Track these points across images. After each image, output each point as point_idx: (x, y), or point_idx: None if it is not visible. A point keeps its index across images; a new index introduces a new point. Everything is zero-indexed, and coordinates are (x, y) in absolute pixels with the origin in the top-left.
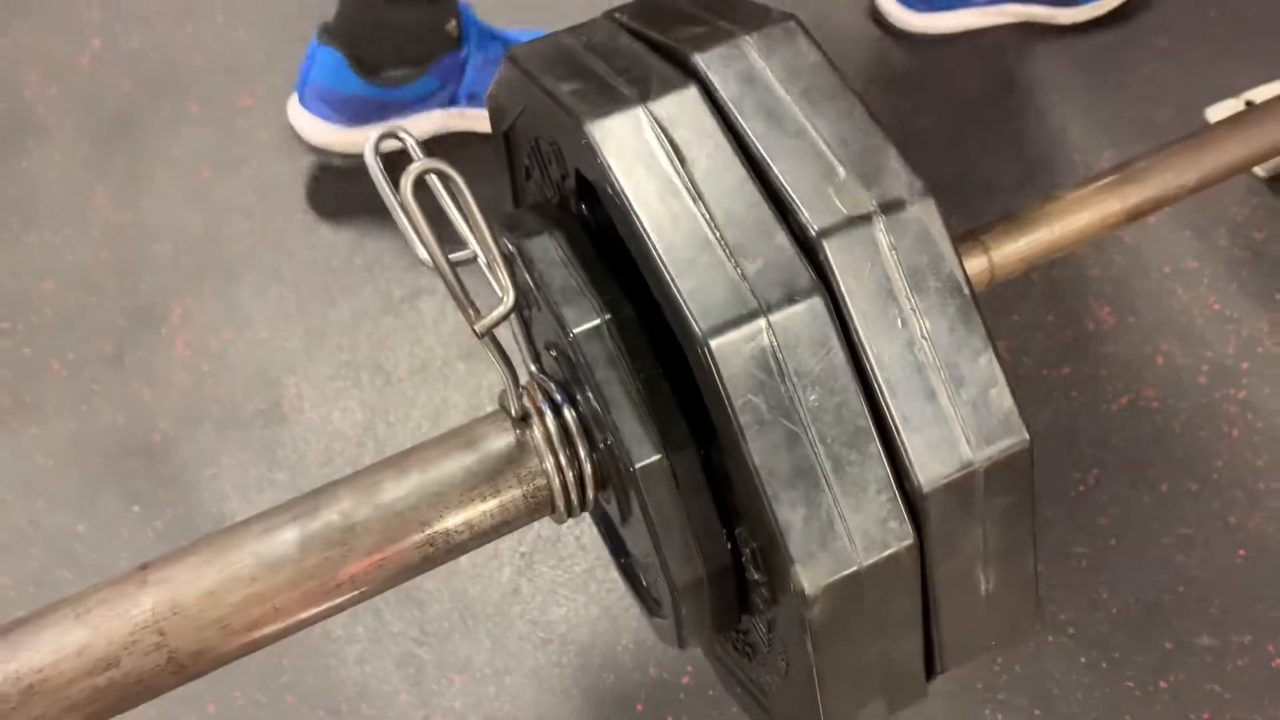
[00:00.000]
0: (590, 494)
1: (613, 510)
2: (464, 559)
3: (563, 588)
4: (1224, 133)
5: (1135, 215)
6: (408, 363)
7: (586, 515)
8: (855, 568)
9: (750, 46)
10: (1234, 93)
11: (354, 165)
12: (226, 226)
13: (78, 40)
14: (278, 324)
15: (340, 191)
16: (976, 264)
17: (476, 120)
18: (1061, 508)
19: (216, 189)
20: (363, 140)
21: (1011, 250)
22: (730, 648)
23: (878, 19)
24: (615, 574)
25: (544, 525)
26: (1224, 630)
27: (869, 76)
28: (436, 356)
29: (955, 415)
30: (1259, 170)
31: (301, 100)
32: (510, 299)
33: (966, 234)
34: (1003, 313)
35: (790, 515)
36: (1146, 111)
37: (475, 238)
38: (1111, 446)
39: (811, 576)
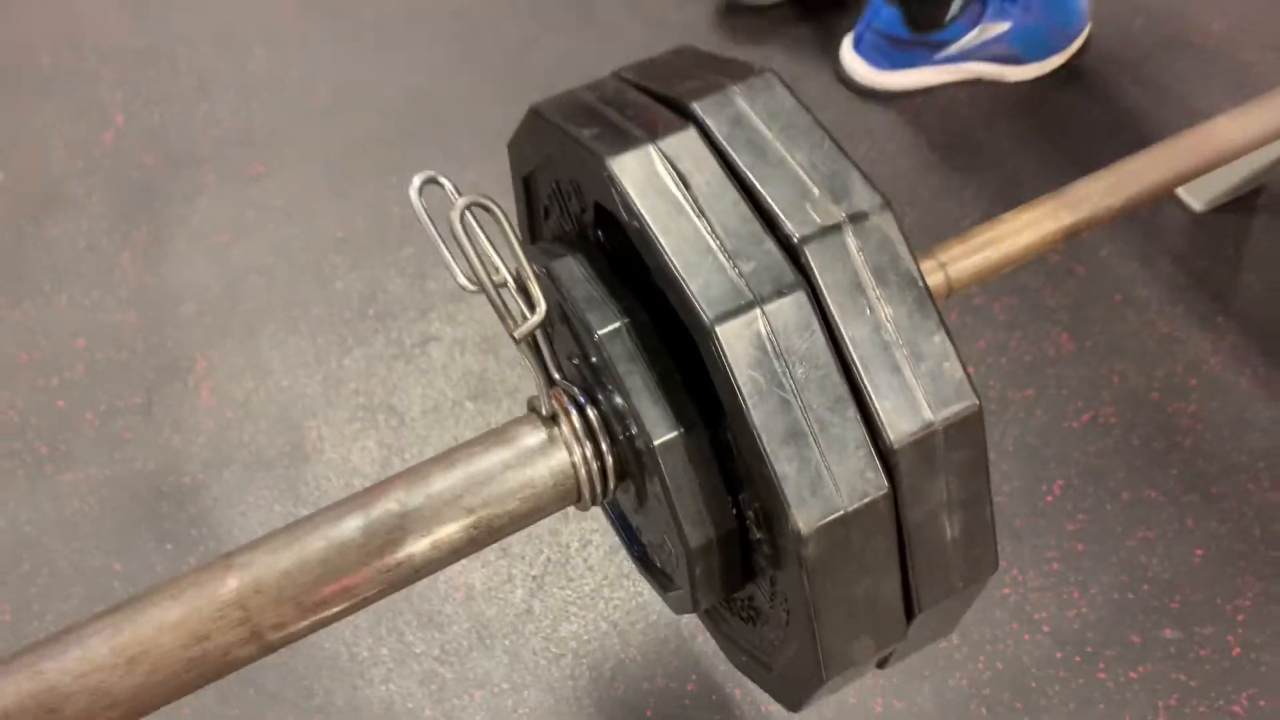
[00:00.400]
0: (611, 483)
1: (629, 500)
2: (479, 582)
3: (573, 606)
4: (1144, 162)
5: (1071, 234)
6: (420, 404)
7: (593, 545)
8: (841, 511)
9: (737, 94)
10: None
11: (364, 230)
12: (245, 285)
13: (102, 118)
14: (297, 372)
15: (355, 244)
16: (935, 279)
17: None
18: (1032, 517)
19: (234, 251)
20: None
21: (965, 265)
22: (736, 619)
23: (844, 80)
24: (621, 592)
25: (553, 550)
26: (1187, 623)
27: (836, 130)
28: (447, 398)
29: (917, 384)
30: (1196, 205)
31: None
32: (542, 308)
33: (925, 253)
34: (969, 340)
35: (786, 468)
36: (1091, 156)
37: (509, 260)
38: (1075, 460)
39: (806, 518)
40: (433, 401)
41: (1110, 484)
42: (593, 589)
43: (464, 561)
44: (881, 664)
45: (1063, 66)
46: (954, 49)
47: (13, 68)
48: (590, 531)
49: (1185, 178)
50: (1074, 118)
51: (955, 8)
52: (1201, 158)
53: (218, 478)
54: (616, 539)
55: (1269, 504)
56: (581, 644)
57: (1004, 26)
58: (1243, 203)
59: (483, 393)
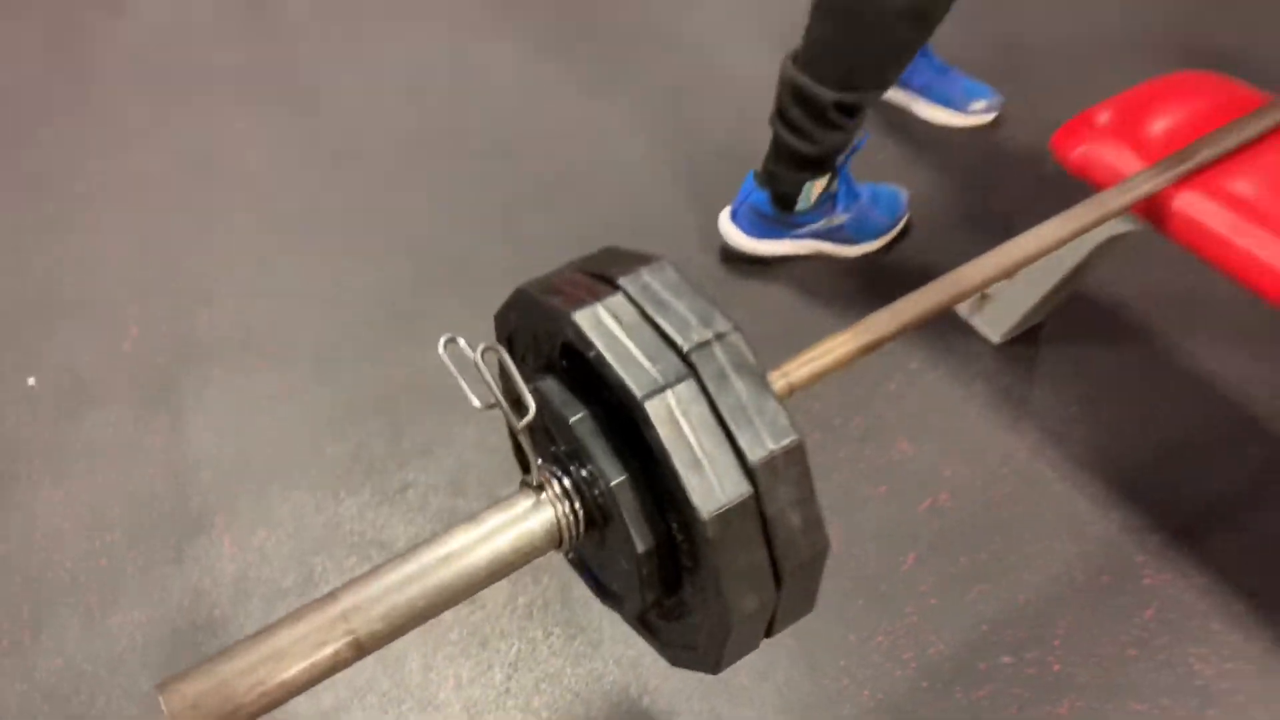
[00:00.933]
0: (582, 529)
1: (592, 548)
2: (465, 672)
3: (543, 683)
4: (912, 299)
5: (866, 351)
6: (404, 537)
7: (554, 635)
8: (727, 505)
9: (644, 272)
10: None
11: (346, 406)
12: (253, 455)
13: (120, 330)
14: (302, 520)
15: (340, 417)
16: (780, 383)
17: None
18: (894, 583)
19: (241, 429)
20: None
21: (800, 373)
22: (671, 624)
23: (721, 245)
24: (581, 669)
25: (523, 642)
26: (1018, 651)
27: (720, 293)
28: (425, 530)
29: (762, 428)
30: (994, 338)
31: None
32: (534, 409)
33: (775, 367)
34: (831, 451)
35: (692, 481)
36: None
37: (513, 383)
38: (922, 537)
39: (707, 509)
40: (414, 534)
41: (951, 552)
42: (557, 669)
43: (452, 655)
44: (768, 632)
45: (889, 243)
46: (806, 230)
47: (41, 295)
48: (551, 625)
49: (944, 308)
50: (901, 280)
51: (804, 201)
52: (950, 295)
53: (244, 609)
54: (574, 631)
55: (1069, 555)
56: (552, 712)
57: (845, 218)
58: (1029, 335)
59: (454, 523)
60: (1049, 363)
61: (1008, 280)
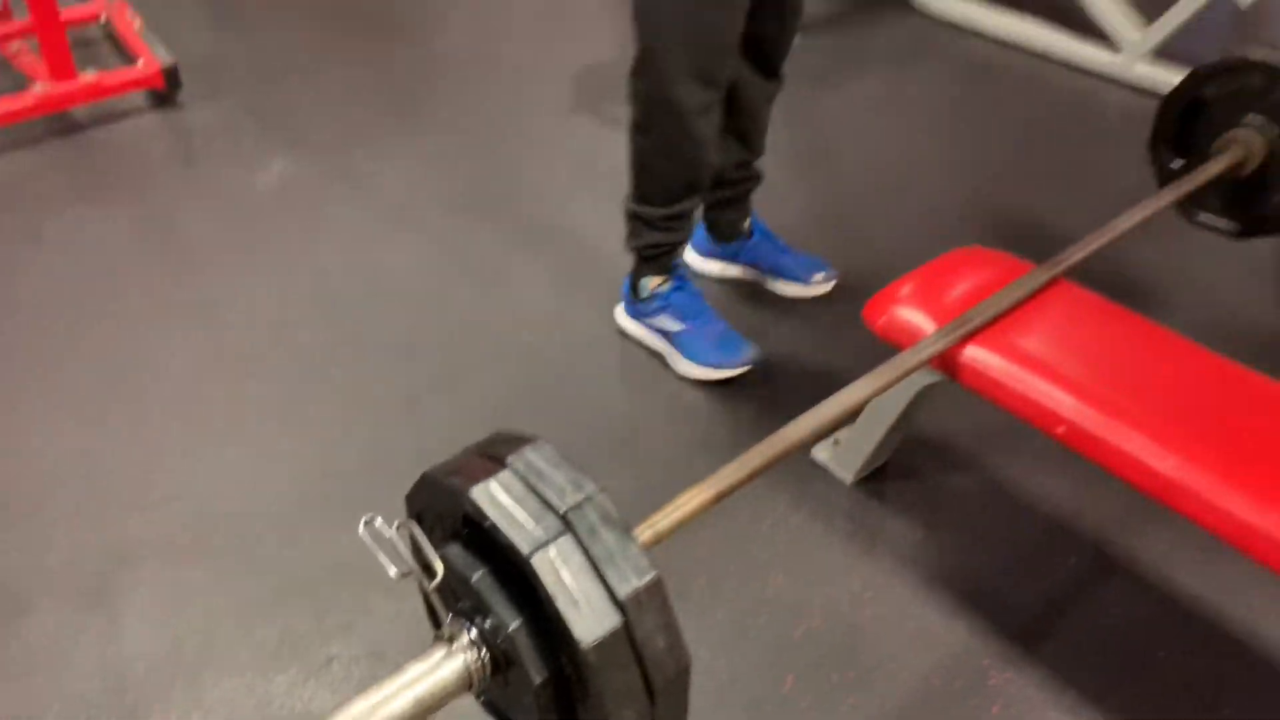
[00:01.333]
0: (489, 674)
1: (499, 690)
2: None
3: None
4: (755, 451)
5: (719, 498)
6: (331, 707)
7: None
8: (602, 635)
9: (528, 450)
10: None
11: (270, 592)
12: (185, 646)
13: (48, 539)
14: (234, 702)
15: (266, 601)
16: (647, 534)
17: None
18: (777, 704)
19: (173, 623)
20: (621, 318)
21: (665, 523)
22: None
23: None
24: None
25: None
26: None
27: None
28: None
29: (628, 570)
30: (847, 479)
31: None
32: (441, 572)
33: (644, 519)
34: (714, 590)
35: (572, 616)
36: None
37: (423, 552)
38: (798, 659)
39: (586, 639)
40: (340, 703)
41: (825, 670)
42: None
43: None
44: None
45: (729, 380)
46: (646, 321)
47: None
48: None
49: (782, 457)
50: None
51: (643, 291)
52: (784, 447)
53: None
54: None
55: (926, 664)
56: None
57: (679, 327)
58: (877, 473)
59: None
60: (896, 496)
61: (851, 428)
